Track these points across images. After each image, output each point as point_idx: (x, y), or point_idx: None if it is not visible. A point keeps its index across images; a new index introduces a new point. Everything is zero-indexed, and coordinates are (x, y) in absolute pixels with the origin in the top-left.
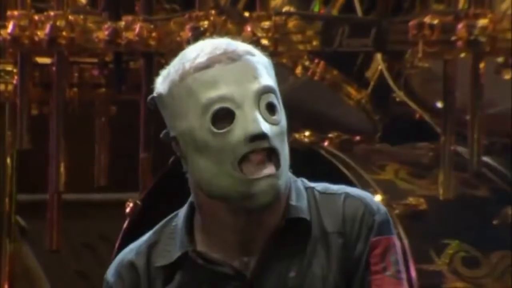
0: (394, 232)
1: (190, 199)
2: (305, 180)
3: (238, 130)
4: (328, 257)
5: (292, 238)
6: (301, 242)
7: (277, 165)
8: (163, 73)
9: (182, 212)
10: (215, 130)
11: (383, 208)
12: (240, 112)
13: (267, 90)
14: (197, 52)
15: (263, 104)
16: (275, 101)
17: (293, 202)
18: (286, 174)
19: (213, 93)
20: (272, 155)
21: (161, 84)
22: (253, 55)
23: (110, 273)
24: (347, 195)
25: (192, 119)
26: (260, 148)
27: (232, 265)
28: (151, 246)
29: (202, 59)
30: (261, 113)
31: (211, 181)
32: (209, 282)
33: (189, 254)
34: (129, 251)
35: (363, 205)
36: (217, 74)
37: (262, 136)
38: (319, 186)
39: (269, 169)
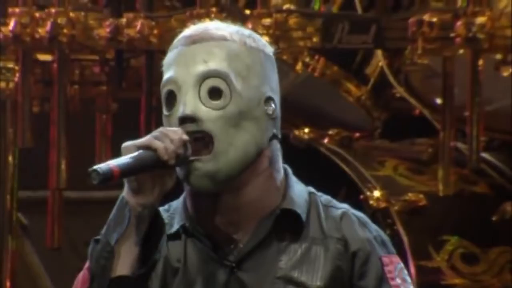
0: None
1: None
2: (312, 188)
3: (176, 113)
4: (325, 258)
5: (286, 229)
6: (295, 236)
7: (210, 150)
8: None
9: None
10: (165, 113)
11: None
12: (179, 95)
13: (212, 74)
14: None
15: (204, 88)
16: (222, 86)
17: (292, 195)
18: (231, 160)
19: (166, 75)
20: (207, 139)
21: None
22: (224, 39)
23: None
24: (347, 211)
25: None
26: (190, 131)
27: (220, 246)
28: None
29: (175, 40)
30: (200, 97)
31: None
32: (199, 257)
33: (186, 226)
34: None
35: (361, 223)
36: (174, 56)
37: (189, 119)
38: (323, 197)
39: (202, 153)
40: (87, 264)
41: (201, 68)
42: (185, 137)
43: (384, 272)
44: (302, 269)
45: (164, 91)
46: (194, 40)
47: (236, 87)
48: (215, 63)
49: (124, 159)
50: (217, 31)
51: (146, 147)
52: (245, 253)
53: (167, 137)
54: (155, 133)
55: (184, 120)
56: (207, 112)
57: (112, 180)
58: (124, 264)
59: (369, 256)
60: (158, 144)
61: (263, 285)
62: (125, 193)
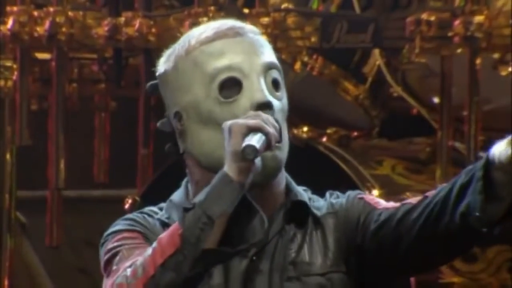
0: None
1: (185, 181)
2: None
3: (245, 100)
4: (325, 238)
5: (295, 219)
6: (302, 224)
7: (280, 138)
8: (167, 52)
9: (177, 195)
10: (222, 99)
11: None
12: (247, 82)
13: (273, 66)
14: (203, 28)
15: (269, 79)
16: (279, 78)
17: (296, 189)
18: (285, 152)
19: (220, 63)
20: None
21: (165, 62)
22: (258, 34)
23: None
24: (327, 192)
25: (198, 90)
26: None
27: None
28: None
29: (208, 33)
30: (267, 86)
31: (212, 153)
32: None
33: None
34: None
35: (340, 194)
36: (224, 46)
37: (268, 105)
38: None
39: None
40: (173, 229)
41: (262, 59)
42: (277, 125)
43: (367, 201)
44: (311, 251)
45: (222, 77)
46: (237, 33)
47: (283, 81)
48: (270, 56)
49: (258, 139)
50: (248, 26)
51: (258, 130)
52: (259, 245)
53: (271, 123)
54: (256, 117)
55: (261, 106)
56: (274, 102)
57: (255, 158)
58: (214, 238)
59: (352, 202)
60: (269, 129)
61: (277, 271)
62: (230, 171)
